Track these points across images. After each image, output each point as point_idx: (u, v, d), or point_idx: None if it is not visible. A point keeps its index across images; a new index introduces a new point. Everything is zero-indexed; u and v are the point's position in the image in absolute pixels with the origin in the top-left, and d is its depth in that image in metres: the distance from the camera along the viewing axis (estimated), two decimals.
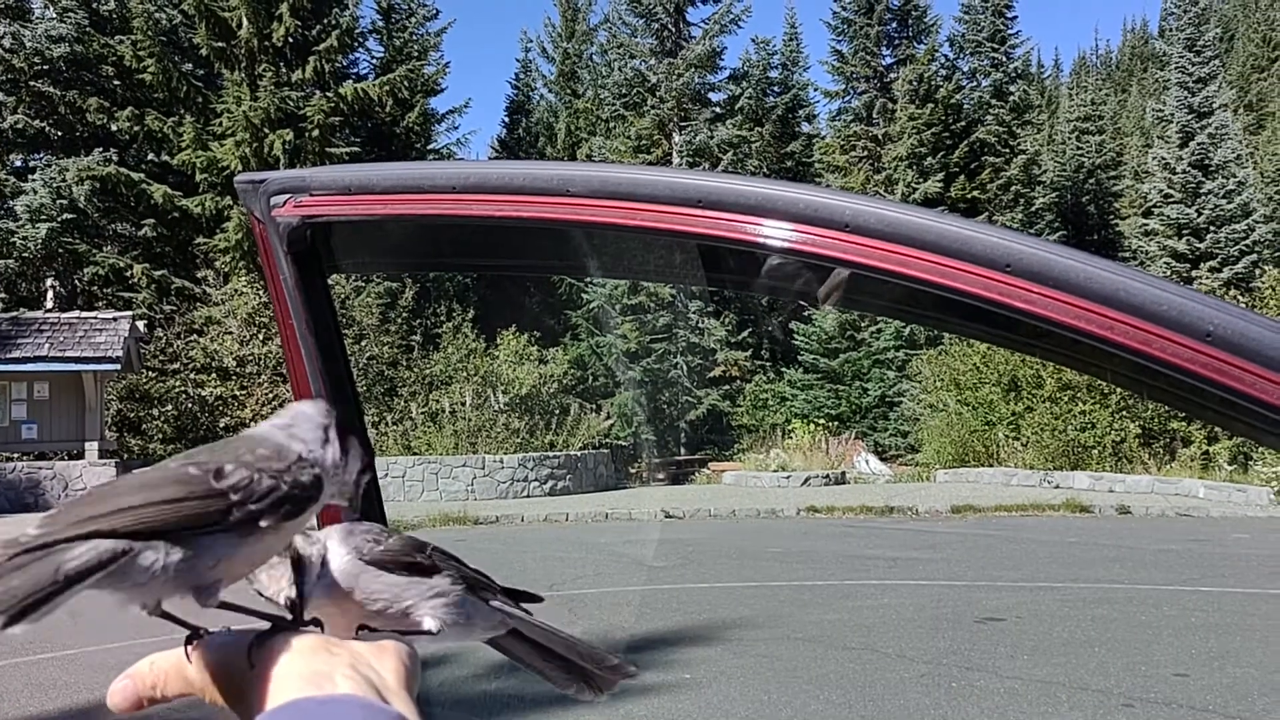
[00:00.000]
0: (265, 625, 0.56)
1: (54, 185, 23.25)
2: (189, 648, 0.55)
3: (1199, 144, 28.61)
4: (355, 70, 30.29)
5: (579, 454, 21.40)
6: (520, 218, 0.94)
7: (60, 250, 23.74)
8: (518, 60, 44.21)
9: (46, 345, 18.49)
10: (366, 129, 29.49)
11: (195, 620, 0.59)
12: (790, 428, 25.75)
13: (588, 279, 28.75)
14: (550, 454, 20.85)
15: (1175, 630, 8.03)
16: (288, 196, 1.04)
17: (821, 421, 26.22)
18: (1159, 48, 46.50)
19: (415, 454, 20.16)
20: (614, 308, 28.55)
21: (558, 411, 22.88)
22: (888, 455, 26.05)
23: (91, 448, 18.73)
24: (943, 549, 12.94)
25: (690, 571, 11.46)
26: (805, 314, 29.00)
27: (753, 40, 38.96)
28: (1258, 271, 26.88)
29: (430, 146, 31.94)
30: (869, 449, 25.32)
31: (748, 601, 9.48)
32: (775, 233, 0.84)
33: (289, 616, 0.60)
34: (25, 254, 23.19)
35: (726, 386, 28.69)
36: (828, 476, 21.88)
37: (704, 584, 10.50)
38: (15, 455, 19.01)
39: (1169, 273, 28.10)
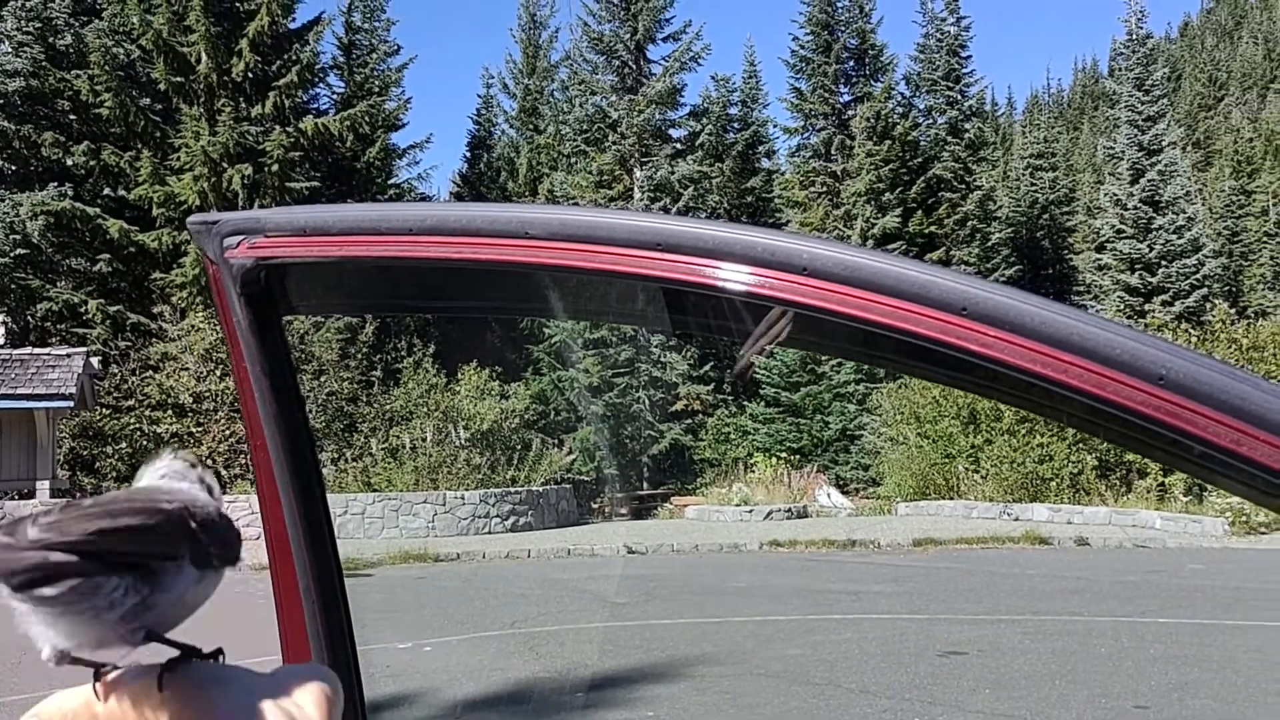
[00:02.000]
0: (171, 654, 0.54)
1: (7, 220, 22.93)
2: (97, 685, 0.53)
3: (1149, 181, 29.22)
4: (316, 105, 30.24)
5: (541, 489, 21.29)
6: (478, 260, 0.94)
7: (13, 286, 23.37)
8: (479, 96, 44.35)
9: None
10: (327, 164, 29.41)
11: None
12: (752, 461, 25.79)
13: (547, 320, 28.74)
14: (512, 490, 20.72)
15: (1135, 662, 8.08)
16: (241, 238, 1.03)
17: (783, 455, 26.29)
18: (1109, 87, 47.53)
19: (375, 490, 19.95)
20: (576, 342, 28.55)
21: (519, 447, 22.76)
22: (849, 488, 26.15)
23: (43, 487, 18.36)
24: (905, 582, 12.97)
25: (653, 607, 11.40)
26: (768, 350, 29.09)
27: (713, 78, 39.39)
28: (1208, 305, 27.42)
29: (391, 181, 31.91)
30: (830, 482, 25.41)
31: (710, 637, 9.44)
32: (733, 276, 0.84)
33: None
34: None
35: (689, 420, 28.72)
36: (790, 510, 21.91)
37: (667, 620, 10.44)
38: None
39: (1122, 306, 28.58)
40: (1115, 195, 30.16)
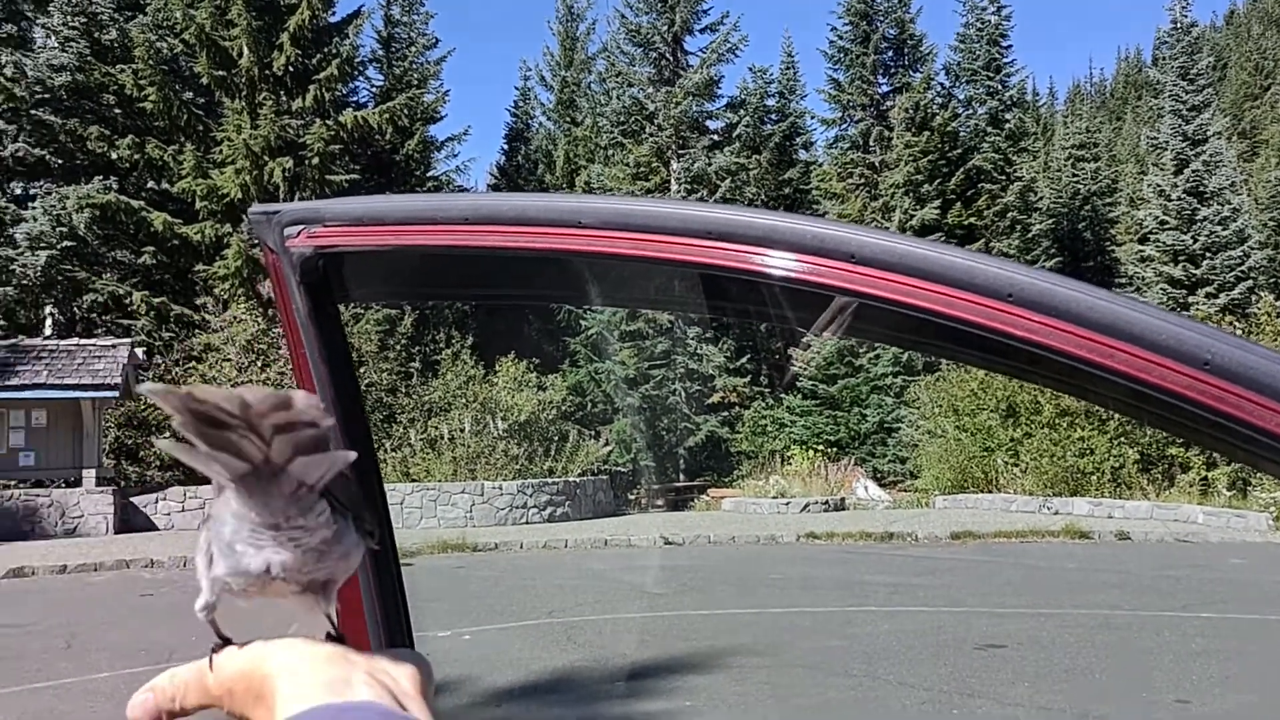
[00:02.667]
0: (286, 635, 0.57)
1: (54, 213, 23.30)
2: (213, 655, 0.55)
3: (1194, 171, 28.76)
4: (355, 98, 30.45)
5: (578, 480, 21.38)
6: (533, 249, 0.96)
7: (59, 278, 23.77)
8: (517, 88, 44.48)
9: (45, 372, 18.48)
10: (366, 156, 29.62)
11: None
12: (789, 454, 25.72)
13: (592, 307, 28.82)
14: (549, 480, 20.82)
15: (1176, 656, 8.01)
16: (301, 228, 1.06)
17: (820, 447, 26.19)
18: (1153, 76, 46.81)
19: (414, 481, 20.13)
20: (613, 334, 28.59)
21: (556, 438, 22.85)
22: (886, 481, 26.01)
23: (89, 475, 18.69)
24: (943, 575, 12.91)
25: (690, 598, 11.42)
26: (804, 342, 29.04)
27: (750, 69, 39.22)
28: (1253, 298, 26.97)
29: (429, 173, 32.08)
30: (868, 475, 25.29)
31: (748, 628, 9.46)
32: (781, 263, 0.86)
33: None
34: (24, 281, 23.22)
35: (725, 413, 28.68)
36: (827, 503, 21.84)
37: (704, 611, 10.47)
38: (12, 483, 18.96)
39: (1165, 298, 28.18)
40: (1159, 186, 29.70)
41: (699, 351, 28.79)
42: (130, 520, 18.79)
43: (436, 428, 21.77)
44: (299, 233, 1.06)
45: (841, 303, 0.86)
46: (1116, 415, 21.59)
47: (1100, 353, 0.76)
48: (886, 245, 0.82)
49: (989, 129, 33.42)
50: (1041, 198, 37.97)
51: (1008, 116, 34.11)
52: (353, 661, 0.52)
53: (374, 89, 31.80)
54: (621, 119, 31.79)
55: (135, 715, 0.54)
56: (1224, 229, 28.32)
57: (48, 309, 24.80)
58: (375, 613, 1.15)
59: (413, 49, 33.16)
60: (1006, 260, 0.82)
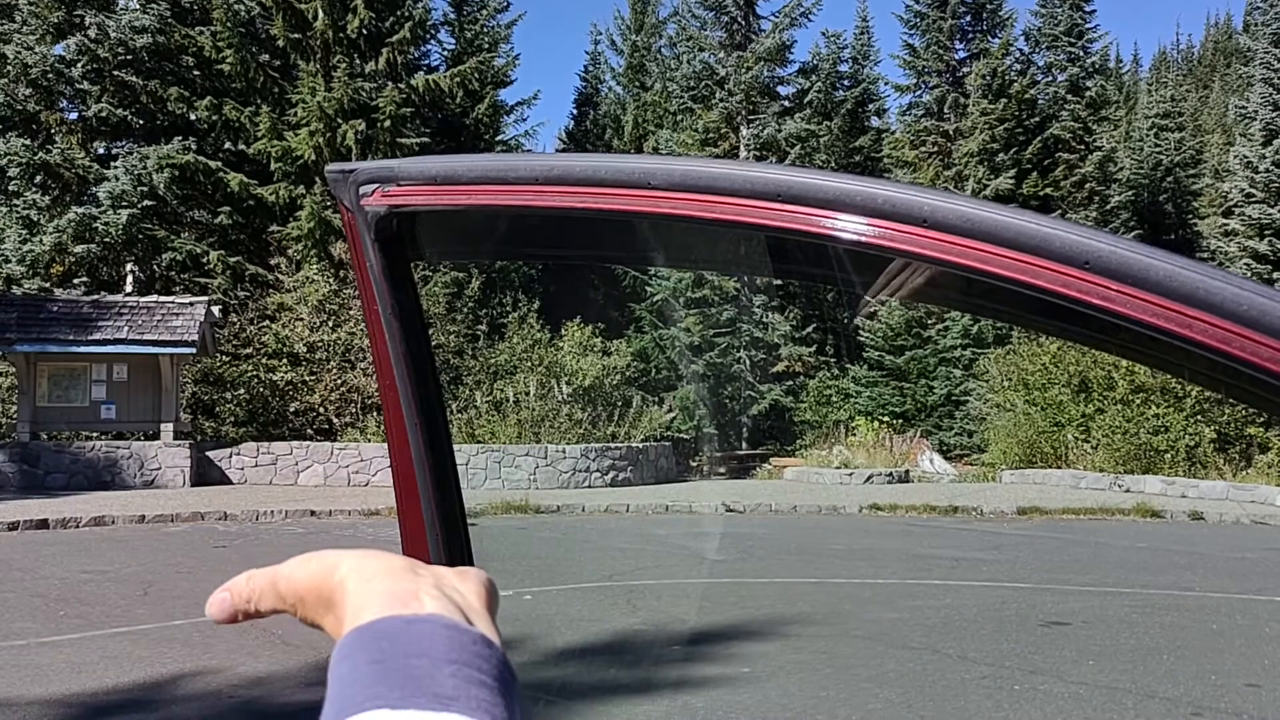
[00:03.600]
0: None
1: (135, 172, 23.85)
2: (286, 563, 0.57)
3: None
4: (427, 62, 30.61)
5: (640, 446, 21.47)
6: (601, 209, 0.97)
7: (140, 236, 24.36)
8: (586, 53, 44.37)
9: (126, 328, 19.00)
10: (437, 120, 29.79)
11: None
12: (854, 425, 25.55)
13: (657, 270, 28.79)
14: (612, 445, 20.94)
15: (1248, 640, 7.84)
16: (376, 186, 1.08)
17: (886, 419, 25.97)
18: (1243, 43, 45.18)
19: (479, 443, 20.38)
20: (678, 301, 28.55)
21: (620, 403, 22.95)
22: (952, 454, 25.72)
23: (167, 429, 19.23)
24: (1008, 550, 12.76)
25: (750, 566, 11.45)
26: (872, 311, 28.74)
27: (823, 34, 38.67)
28: None
29: (499, 138, 32.19)
30: (933, 448, 25.02)
31: (808, 598, 9.46)
32: (852, 227, 0.85)
33: None
34: (106, 239, 23.83)
35: (790, 382, 28.54)
36: (891, 475, 21.68)
37: (764, 579, 10.48)
38: (94, 434, 19.59)
39: (1250, 274, 27.33)
40: (1246, 157, 28.72)
41: (765, 320, 28.65)
42: (205, 474, 19.32)
43: (502, 390, 21.98)
44: (374, 191, 1.08)
45: (900, 264, 0.85)
46: (1194, 391, 21.08)
47: (1180, 323, 0.74)
48: (960, 210, 0.81)
49: (1069, 97, 32.58)
50: (1121, 168, 37.00)
51: (1089, 84, 33.21)
52: (421, 575, 0.53)
53: (445, 52, 31.94)
54: (691, 84, 31.55)
55: (212, 612, 0.55)
56: None
57: (129, 266, 25.44)
58: (441, 559, 1.17)
59: (484, 12, 33.19)
60: (1083, 227, 0.80)
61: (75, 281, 24.02)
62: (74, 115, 25.54)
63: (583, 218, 1.02)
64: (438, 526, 1.17)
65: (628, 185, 0.95)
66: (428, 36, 29.40)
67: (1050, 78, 33.40)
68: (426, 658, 0.45)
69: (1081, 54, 33.29)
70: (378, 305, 1.11)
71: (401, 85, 26.09)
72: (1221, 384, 0.82)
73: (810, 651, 7.34)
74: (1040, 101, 32.54)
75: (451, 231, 1.16)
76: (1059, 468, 22.02)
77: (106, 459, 18.66)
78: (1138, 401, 21.60)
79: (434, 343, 22.47)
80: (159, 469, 18.78)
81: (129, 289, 24.28)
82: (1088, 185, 32.01)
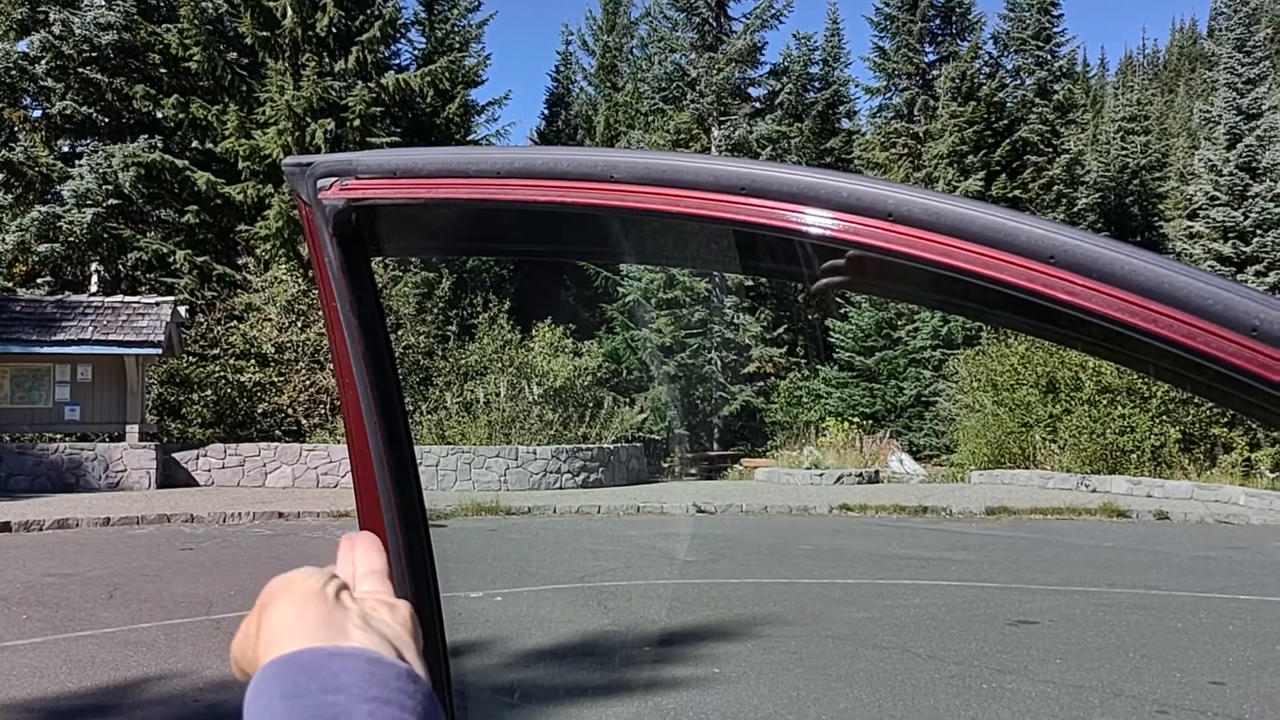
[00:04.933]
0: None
1: (100, 171, 23.57)
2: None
3: (1247, 146, 28.11)
4: (397, 61, 30.46)
5: (612, 447, 21.45)
6: (564, 203, 0.95)
7: (105, 235, 24.07)
8: (558, 53, 44.39)
9: (90, 328, 18.77)
10: (407, 119, 29.64)
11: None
12: (824, 425, 25.64)
13: (628, 270, 28.78)
14: (583, 446, 20.91)
15: (1212, 638, 7.93)
16: (334, 179, 1.05)
17: (856, 420, 26.08)
18: (1208, 48, 45.77)
19: (449, 444, 20.29)
20: (649, 302, 28.55)
21: (591, 404, 22.92)
22: (922, 455, 25.88)
23: (132, 430, 19.01)
24: (976, 550, 12.85)
25: (721, 567, 11.45)
26: (842, 311, 28.87)
27: (794, 35, 38.78)
28: None
29: (470, 138, 32.08)
30: (903, 448, 25.16)
31: (778, 598, 9.47)
32: (818, 221, 0.84)
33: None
34: (71, 238, 23.54)
35: (761, 383, 28.61)
36: (861, 475, 21.77)
37: (735, 580, 10.49)
38: (58, 436, 19.33)
39: None
40: (1210, 160, 29.07)
41: (736, 321, 28.71)
42: (171, 475, 19.11)
43: (472, 391, 21.89)
44: (332, 185, 1.06)
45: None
46: (1159, 392, 21.31)
47: (1145, 317, 0.74)
48: (925, 204, 0.80)
49: (1037, 100, 32.87)
50: (1089, 171, 37.37)
51: (1056, 87, 33.51)
52: (349, 605, 0.51)
53: (416, 52, 31.80)
54: (663, 85, 31.58)
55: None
56: (1276, 205, 27.70)
57: (93, 266, 25.14)
58: (403, 574, 1.15)
59: (455, 11, 33.08)
60: (1049, 221, 0.79)
61: (39, 281, 23.70)
62: (38, 113, 25.21)
63: (546, 212, 1.00)
64: (398, 528, 1.14)
65: (591, 178, 0.93)
66: (398, 35, 29.25)
67: (1019, 81, 33.68)
68: (345, 693, 0.43)
69: (1049, 58, 33.60)
70: (336, 301, 1.09)
71: (371, 84, 25.93)
72: (1187, 380, 0.81)
73: (781, 652, 7.35)
74: (1009, 104, 32.80)
75: (412, 226, 1.14)
76: (1027, 468, 22.19)
77: (70, 461, 18.42)
78: (1104, 402, 21.82)
79: (404, 344, 22.36)
80: (124, 471, 18.56)
81: (94, 289, 23.99)
82: (1055, 187, 32.30)
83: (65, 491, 17.71)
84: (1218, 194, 28.39)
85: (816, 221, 0.84)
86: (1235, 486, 18.98)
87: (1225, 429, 21.36)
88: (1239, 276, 27.41)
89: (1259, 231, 27.83)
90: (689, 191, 0.89)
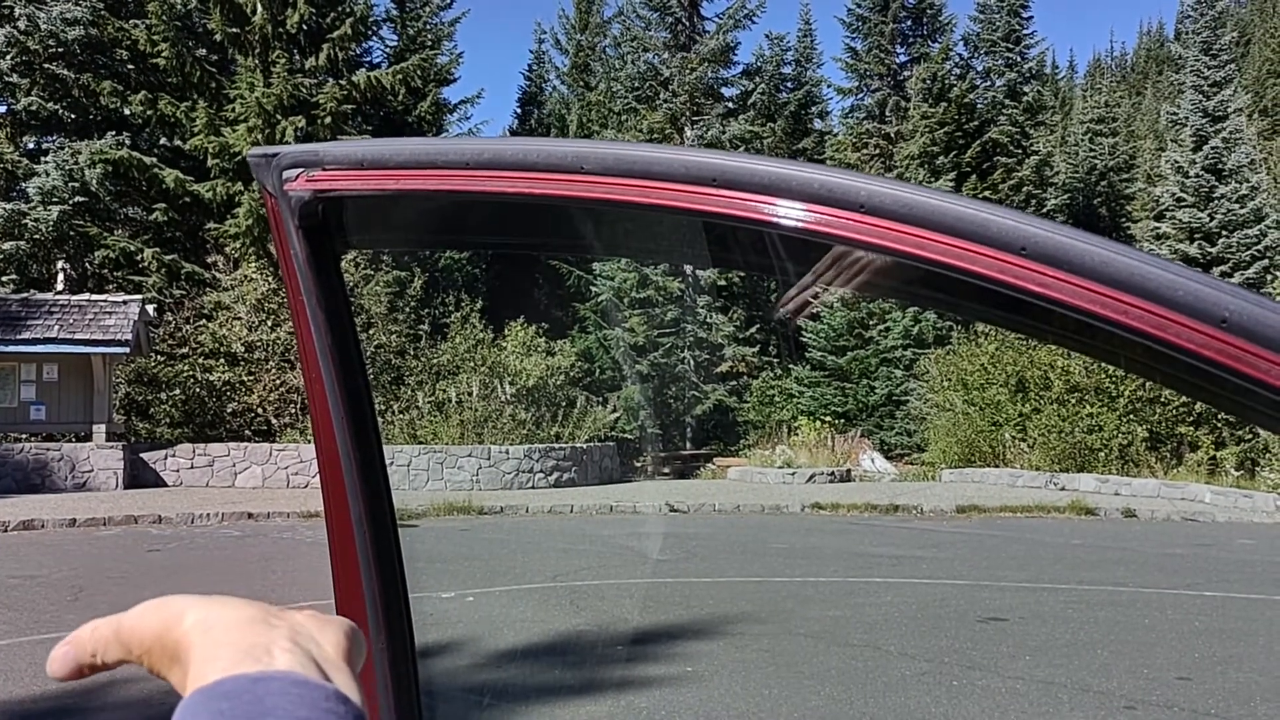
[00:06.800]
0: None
1: (66, 168, 23.28)
2: (130, 612, 0.52)
3: (1212, 148, 28.47)
4: (368, 58, 30.28)
5: (585, 446, 21.42)
6: (533, 194, 0.94)
7: (71, 233, 23.79)
8: (531, 51, 44.21)
9: (56, 327, 18.54)
10: (379, 117, 29.48)
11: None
12: (796, 424, 25.72)
13: (598, 265, 28.76)
14: (556, 446, 20.87)
15: (1179, 634, 8.01)
16: (300, 171, 1.04)
17: (828, 419, 26.18)
18: (1175, 51, 46.29)
19: (421, 443, 20.19)
20: (622, 301, 28.54)
21: (564, 403, 22.88)
22: (893, 454, 26.02)
23: (99, 430, 18.79)
24: (947, 548, 12.92)
25: (694, 566, 11.46)
26: (814, 311, 28.97)
27: (766, 36, 38.93)
28: (1269, 277, 26.78)
29: (442, 136, 31.90)
30: (875, 447, 25.29)
31: (751, 597, 9.49)
32: (789, 213, 0.84)
33: None
34: (37, 236, 23.25)
35: (733, 382, 28.67)
36: (833, 474, 21.86)
37: (707, 579, 10.50)
38: (23, 436, 19.09)
39: None
40: (1177, 162, 29.41)
41: (709, 320, 28.75)
42: (139, 476, 18.91)
43: (444, 391, 21.80)
44: (298, 176, 1.04)
45: (838, 253, 0.84)
46: (1127, 391, 21.53)
47: (1115, 309, 0.73)
48: (896, 195, 0.80)
49: (1007, 101, 33.13)
50: (1057, 172, 37.70)
51: (1026, 89, 33.79)
52: (275, 626, 0.49)
53: (387, 49, 31.62)
54: (636, 84, 31.58)
55: (54, 669, 0.50)
56: (1241, 207, 28.07)
57: (59, 264, 24.83)
58: (371, 574, 1.13)
59: (426, 9, 32.92)
60: (1021, 213, 0.79)
61: (3, 279, 23.37)
62: (2, 109, 24.87)
63: (516, 203, 0.99)
64: (366, 526, 1.13)
65: (560, 169, 0.92)
66: (370, 33, 29.10)
67: (989, 82, 33.93)
68: (271, 717, 0.42)
69: (1019, 59, 33.87)
70: (303, 296, 1.08)
71: (343, 82, 25.78)
72: (1157, 371, 0.81)
73: (753, 650, 7.37)
74: (979, 106, 33.05)
75: (380, 218, 1.13)
76: (997, 466, 22.36)
77: (36, 461, 18.19)
78: (1073, 401, 22.01)
79: (376, 343, 22.20)
80: (91, 471, 18.34)
81: (60, 287, 23.68)
82: (1025, 189, 32.57)
83: (31, 492, 17.48)
84: (1184, 195, 28.73)
85: (788, 213, 0.84)
86: (1201, 484, 19.20)
87: (1191, 428, 21.60)
88: None
89: (1224, 232, 28.19)
90: (660, 183, 0.88)
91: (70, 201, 23.18)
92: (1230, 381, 0.72)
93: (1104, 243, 0.75)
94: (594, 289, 29.71)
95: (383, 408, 21.47)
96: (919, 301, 0.97)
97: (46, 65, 24.20)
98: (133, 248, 24.52)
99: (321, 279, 1.08)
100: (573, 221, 1.06)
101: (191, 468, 19.32)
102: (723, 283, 29.00)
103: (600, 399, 25.27)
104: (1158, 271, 0.73)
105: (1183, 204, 28.80)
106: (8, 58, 23.77)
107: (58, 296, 20.38)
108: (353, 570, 1.15)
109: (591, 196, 0.91)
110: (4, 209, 22.69)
